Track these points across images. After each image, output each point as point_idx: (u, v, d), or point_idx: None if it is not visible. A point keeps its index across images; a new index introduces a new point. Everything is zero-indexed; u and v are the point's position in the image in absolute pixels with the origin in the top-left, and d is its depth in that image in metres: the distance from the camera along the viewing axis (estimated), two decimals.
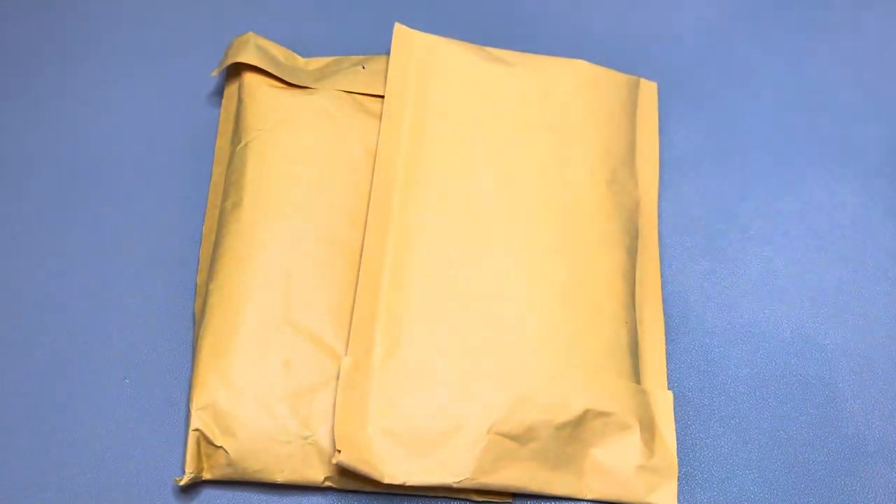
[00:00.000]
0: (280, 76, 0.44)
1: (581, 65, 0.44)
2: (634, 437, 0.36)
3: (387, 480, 0.35)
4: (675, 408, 0.39)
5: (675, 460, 0.37)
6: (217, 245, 0.40)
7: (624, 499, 0.36)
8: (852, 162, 0.45)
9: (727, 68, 0.48)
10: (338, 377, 0.37)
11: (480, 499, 0.37)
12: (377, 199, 0.39)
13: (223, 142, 0.45)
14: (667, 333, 0.41)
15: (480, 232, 0.39)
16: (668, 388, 0.39)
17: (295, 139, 0.42)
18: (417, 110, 0.42)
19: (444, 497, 0.37)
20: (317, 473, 0.36)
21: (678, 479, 0.37)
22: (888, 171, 0.45)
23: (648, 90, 0.46)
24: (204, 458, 0.36)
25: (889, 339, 0.41)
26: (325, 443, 0.36)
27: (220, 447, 0.36)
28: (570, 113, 0.42)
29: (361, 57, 0.46)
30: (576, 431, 0.36)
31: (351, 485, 0.36)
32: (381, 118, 0.42)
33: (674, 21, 0.50)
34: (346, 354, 0.37)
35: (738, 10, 0.51)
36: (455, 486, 0.35)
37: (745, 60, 0.48)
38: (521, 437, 0.35)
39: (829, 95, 0.47)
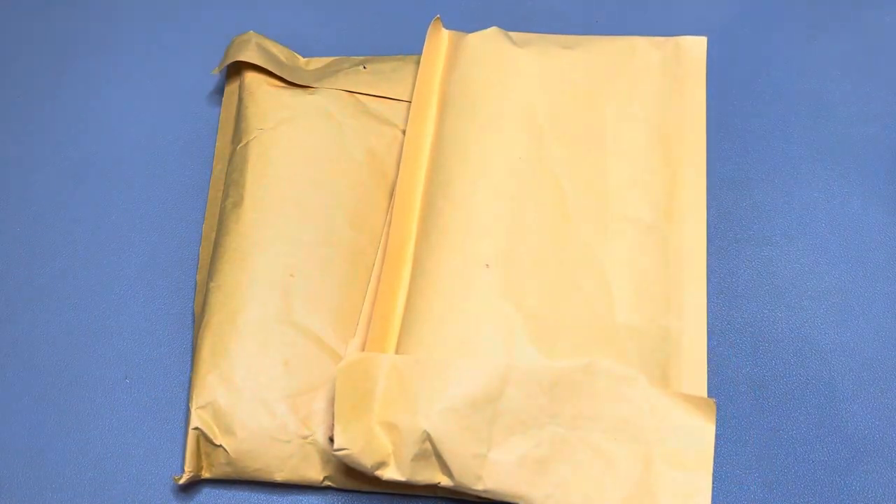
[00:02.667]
0: (281, 75, 0.44)
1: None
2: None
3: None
4: None
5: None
6: (217, 244, 0.40)
7: None
8: (852, 162, 0.45)
9: (726, 68, 0.48)
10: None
11: (479, 498, 0.37)
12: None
13: (223, 141, 0.45)
14: None
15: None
16: None
17: (296, 139, 0.42)
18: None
19: (443, 497, 0.37)
20: (316, 473, 0.36)
21: None
22: (888, 171, 0.45)
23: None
24: (203, 457, 0.36)
25: (889, 339, 0.41)
26: (325, 442, 0.36)
27: (220, 446, 0.36)
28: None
29: (362, 57, 0.46)
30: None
31: (350, 484, 0.36)
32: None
33: (673, 21, 0.50)
34: (353, 337, 0.37)
35: (738, 10, 0.51)
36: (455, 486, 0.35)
37: (745, 60, 0.48)
38: None
39: (829, 95, 0.47)
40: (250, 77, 0.44)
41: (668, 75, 0.42)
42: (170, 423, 0.39)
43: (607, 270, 0.37)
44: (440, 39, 0.42)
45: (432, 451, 0.34)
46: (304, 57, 0.47)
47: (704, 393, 0.36)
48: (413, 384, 0.34)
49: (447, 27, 0.49)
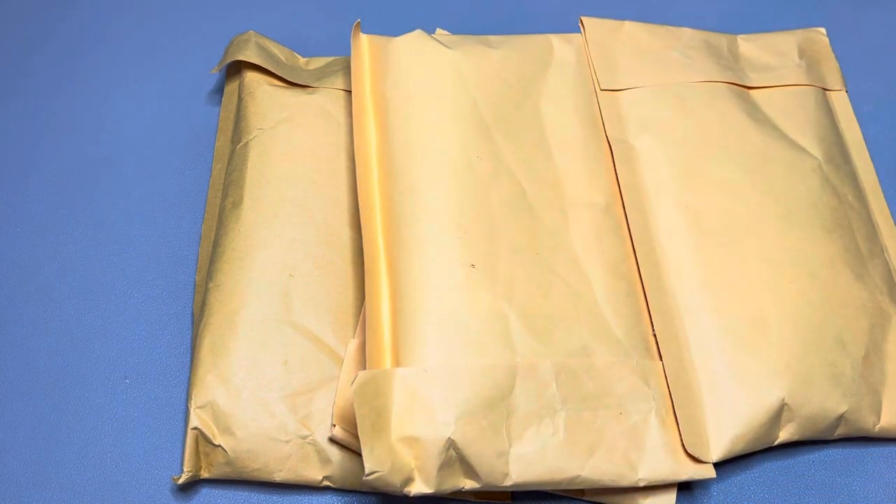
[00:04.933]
0: (280, 75, 0.44)
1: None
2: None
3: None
4: None
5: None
6: (216, 244, 0.40)
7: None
8: None
9: None
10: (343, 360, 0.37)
11: (479, 499, 0.37)
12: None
13: (223, 140, 0.45)
14: None
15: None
16: None
17: (295, 138, 0.42)
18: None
19: (441, 496, 0.37)
20: (315, 473, 0.36)
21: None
22: (888, 171, 0.45)
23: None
24: (202, 457, 0.36)
25: None
26: (324, 442, 0.36)
27: (219, 446, 0.36)
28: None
29: None
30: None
31: (349, 484, 0.36)
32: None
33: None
34: (353, 337, 0.37)
35: (738, 11, 0.51)
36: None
37: None
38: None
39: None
40: (250, 77, 0.44)
41: (583, 66, 0.44)
42: (169, 423, 0.39)
43: (578, 255, 0.38)
44: (362, 45, 0.42)
45: (457, 458, 0.33)
46: (304, 57, 0.47)
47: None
48: (426, 395, 0.34)
49: (442, 28, 0.49)
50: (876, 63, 0.48)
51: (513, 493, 0.37)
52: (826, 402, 0.36)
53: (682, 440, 0.35)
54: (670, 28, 0.45)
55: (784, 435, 0.36)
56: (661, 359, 0.37)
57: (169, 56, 0.49)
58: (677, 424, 0.35)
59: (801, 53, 0.46)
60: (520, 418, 0.34)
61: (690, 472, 0.35)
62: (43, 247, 0.43)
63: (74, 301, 0.42)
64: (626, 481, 0.34)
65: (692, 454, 0.35)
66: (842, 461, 0.38)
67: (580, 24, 0.45)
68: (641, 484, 0.34)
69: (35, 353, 0.41)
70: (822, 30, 0.47)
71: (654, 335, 0.37)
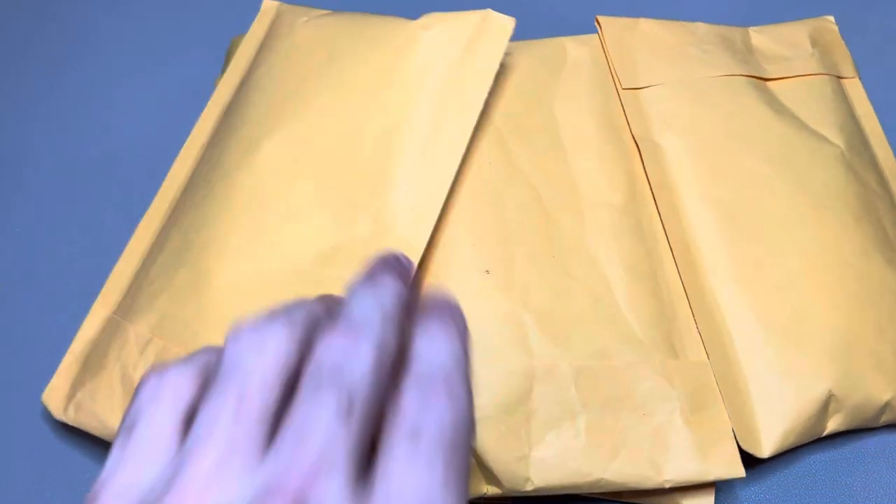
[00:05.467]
0: None
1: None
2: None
3: None
4: None
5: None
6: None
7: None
8: None
9: None
10: None
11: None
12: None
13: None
14: None
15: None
16: None
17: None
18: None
19: None
20: None
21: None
22: None
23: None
24: None
25: None
26: None
27: None
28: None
29: None
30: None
31: None
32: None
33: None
34: None
35: (737, 11, 0.51)
36: None
37: None
38: None
39: None
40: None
41: (598, 66, 0.44)
42: None
43: (597, 256, 0.38)
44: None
45: (476, 464, 0.34)
46: None
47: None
48: None
49: None
50: (885, 49, 0.48)
51: None
52: (871, 390, 0.36)
53: (735, 437, 0.35)
54: (685, 24, 0.45)
55: (832, 425, 0.36)
56: (708, 357, 0.36)
57: (169, 56, 0.49)
58: (728, 418, 0.35)
59: (814, 43, 0.46)
60: (539, 422, 0.34)
61: (718, 471, 0.34)
62: (43, 247, 0.43)
63: (75, 302, 0.42)
64: (651, 483, 0.34)
65: (746, 451, 0.34)
66: (842, 461, 0.38)
67: (596, 24, 0.45)
68: (667, 486, 0.34)
69: (35, 352, 0.41)
70: (831, 18, 0.47)
71: (699, 333, 0.37)
